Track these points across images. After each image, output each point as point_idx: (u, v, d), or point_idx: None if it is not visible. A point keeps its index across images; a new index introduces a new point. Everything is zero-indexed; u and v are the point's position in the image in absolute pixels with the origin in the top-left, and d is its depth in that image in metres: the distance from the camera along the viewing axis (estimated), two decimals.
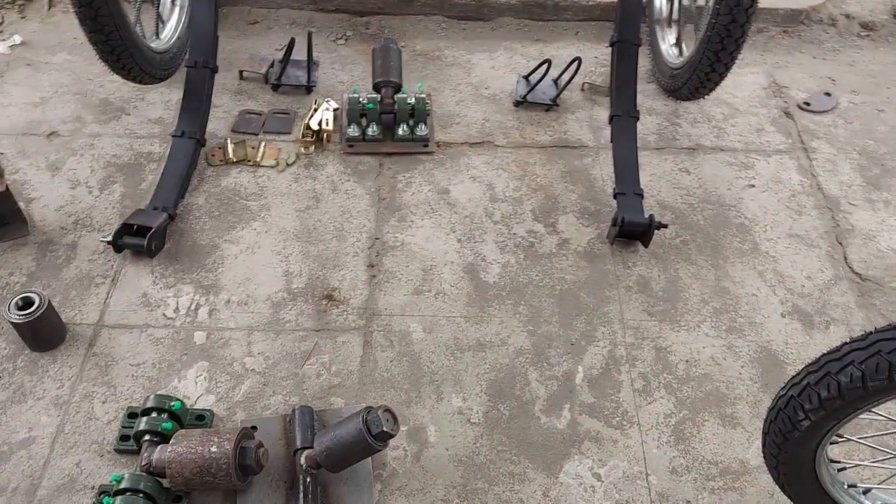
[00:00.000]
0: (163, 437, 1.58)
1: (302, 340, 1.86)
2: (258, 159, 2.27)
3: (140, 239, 1.95)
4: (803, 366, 1.27)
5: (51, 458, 1.62)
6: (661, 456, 1.67)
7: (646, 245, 2.06)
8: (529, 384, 1.80)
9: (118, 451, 1.63)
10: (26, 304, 1.72)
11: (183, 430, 1.55)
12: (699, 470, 1.65)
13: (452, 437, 1.70)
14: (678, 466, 1.65)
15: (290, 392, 1.76)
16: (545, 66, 2.43)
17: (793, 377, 1.28)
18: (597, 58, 2.65)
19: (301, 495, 1.53)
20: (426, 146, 2.34)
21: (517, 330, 1.91)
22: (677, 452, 1.68)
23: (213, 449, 1.49)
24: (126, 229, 1.98)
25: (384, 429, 1.49)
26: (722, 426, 1.72)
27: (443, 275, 2.02)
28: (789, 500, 1.47)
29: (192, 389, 1.75)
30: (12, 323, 1.71)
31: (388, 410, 1.53)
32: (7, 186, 1.95)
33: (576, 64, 2.44)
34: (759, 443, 1.68)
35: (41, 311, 1.71)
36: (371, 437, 1.49)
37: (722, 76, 2.25)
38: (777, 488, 1.58)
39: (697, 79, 2.28)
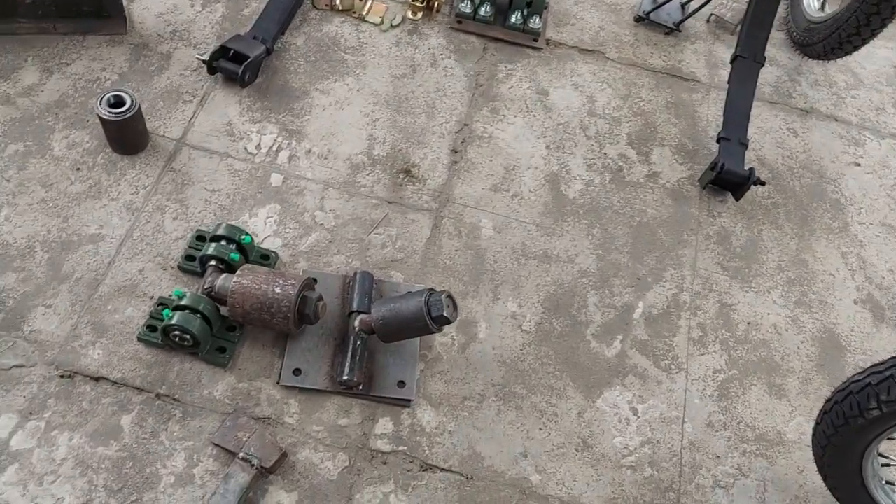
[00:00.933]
0: (228, 267, 1.60)
1: (373, 208, 1.85)
2: (364, 13, 2.18)
3: (236, 66, 1.90)
4: (889, 356, 1.24)
5: (116, 259, 1.65)
6: (701, 407, 1.67)
7: (737, 198, 1.99)
8: (587, 307, 1.79)
9: (181, 269, 1.65)
10: (118, 102, 1.71)
11: (249, 265, 1.57)
12: (735, 430, 1.65)
13: (501, 338, 1.71)
14: (715, 421, 1.66)
15: (354, 255, 1.76)
16: None
17: (873, 365, 1.25)
18: None
19: (349, 354, 1.56)
20: (535, 41, 2.23)
21: (586, 251, 1.88)
22: (718, 408, 1.68)
23: (277, 290, 1.51)
24: (223, 52, 1.93)
25: (444, 313, 1.50)
26: (768, 394, 1.71)
27: (524, 178, 1.98)
28: (818, 478, 1.48)
29: (261, 228, 1.76)
30: (101, 119, 1.71)
31: (450, 297, 1.53)
32: None
33: None
34: (801, 418, 1.68)
35: (131, 112, 1.70)
36: (430, 318, 1.50)
37: (865, 41, 2.10)
38: (806, 465, 1.59)
39: (837, 38, 2.12)
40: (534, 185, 1.97)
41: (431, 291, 1.53)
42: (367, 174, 1.90)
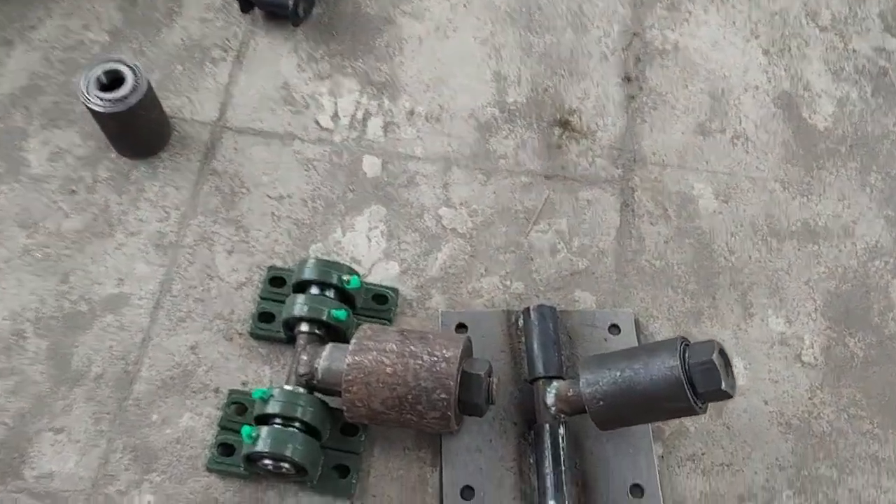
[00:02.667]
0: (328, 330, 0.98)
1: (525, 190, 1.19)
2: None
3: None
4: None
5: (152, 334, 1.05)
6: None
7: None
8: (894, 307, 1.12)
9: (255, 336, 1.04)
10: (114, 80, 1.06)
11: (367, 327, 0.94)
12: None
13: (774, 381, 1.06)
14: None
15: (512, 273, 1.12)
16: None
17: None
18: None
19: (548, 457, 0.94)
20: None
21: (868, 212, 1.19)
22: None
23: (423, 373, 0.88)
24: None
25: (722, 386, 0.85)
26: None
27: (741, 105, 1.27)
28: None
29: (363, 249, 1.12)
30: (92, 111, 1.07)
31: (722, 352, 0.88)
32: None
33: None
34: None
35: (137, 95, 1.05)
36: (693, 395, 0.86)
37: None
38: None
39: None
40: (760, 116, 1.27)
41: (686, 345, 0.88)
42: (504, 136, 1.23)
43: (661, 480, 0.97)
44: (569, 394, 0.95)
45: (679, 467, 1.00)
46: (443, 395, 0.88)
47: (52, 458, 0.96)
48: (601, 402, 0.90)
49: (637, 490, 0.97)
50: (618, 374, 0.89)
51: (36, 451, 0.97)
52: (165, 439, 0.98)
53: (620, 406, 0.89)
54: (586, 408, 0.91)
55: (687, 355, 0.87)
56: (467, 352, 0.95)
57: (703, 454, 1.01)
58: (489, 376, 0.93)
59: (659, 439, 1.01)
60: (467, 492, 0.96)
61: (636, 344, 1.06)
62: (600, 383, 0.90)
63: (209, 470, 0.96)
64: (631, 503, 0.96)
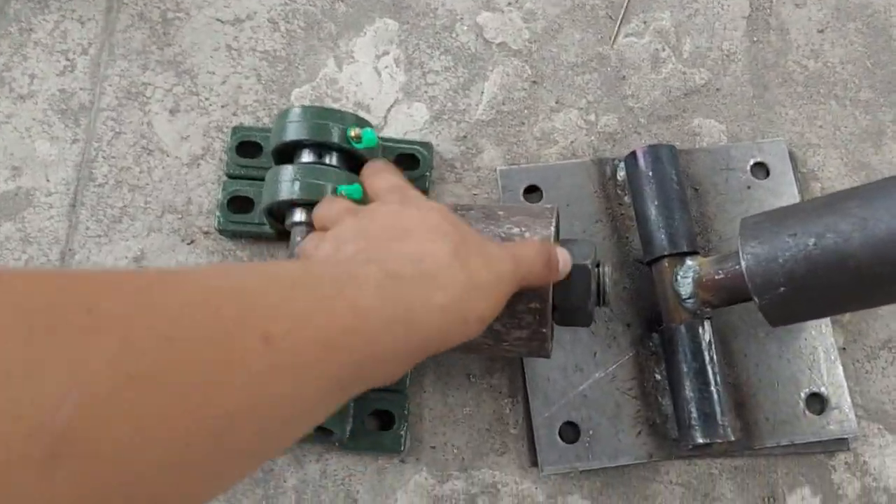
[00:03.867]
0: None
1: None
2: None
3: None
4: None
5: (73, 245, 0.70)
6: None
7: None
8: None
9: (225, 232, 0.69)
10: None
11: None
12: None
13: None
14: None
15: (597, 102, 0.75)
16: None
17: None
18: None
19: (687, 368, 0.62)
20: None
21: None
22: None
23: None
24: None
25: None
26: None
27: None
28: None
29: (372, 88, 0.74)
30: None
31: None
32: None
33: None
34: None
35: None
36: None
37: None
38: None
39: None
40: None
41: None
42: None
43: (846, 383, 0.66)
44: (717, 277, 0.61)
45: (870, 361, 0.69)
46: (533, 305, 0.55)
47: None
48: (782, 289, 0.56)
49: (816, 401, 0.66)
50: (810, 241, 0.54)
51: None
52: None
53: (817, 291, 0.56)
54: (754, 297, 0.58)
55: None
56: (556, 231, 0.60)
57: None
58: (597, 265, 0.59)
59: (837, 325, 0.69)
60: (568, 430, 0.65)
61: (794, 187, 0.71)
62: (779, 258, 0.56)
63: None
64: (809, 421, 0.65)
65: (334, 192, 0.62)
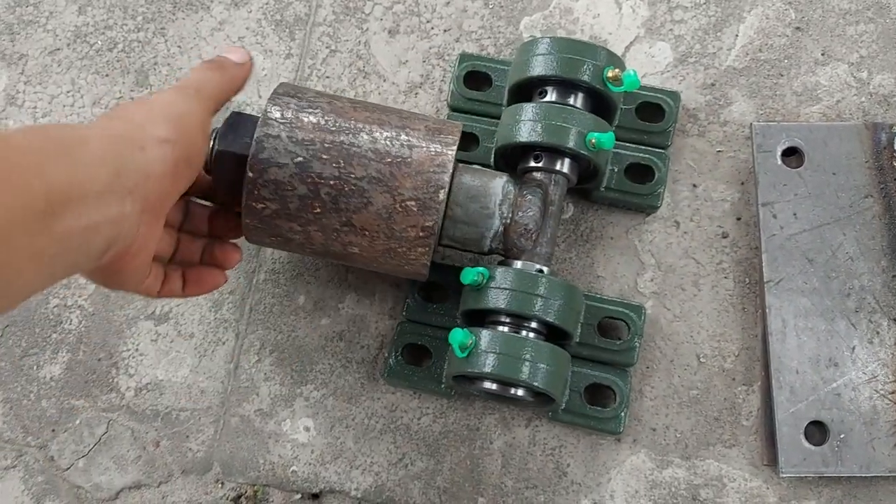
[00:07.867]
0: (577, 166, 0.57)
1: None
2: None
3: None
4: None
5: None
6: None
7: None
8: None
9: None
10: None
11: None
12: None
13: None
14: None
15: (871, 57, 0.64)
16: None
17: None
18: None
19: None
20: None
21: None
22: None
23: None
24: None
25: None
26: None
27: None
28: None
29: (610, 22, 0.66)
30: None
31: None
32: None
33: None
34: None
35: None
36: None
37: None
38: None
39: None
40: None
41: None
42: None
43: None
44: None
45: None
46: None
47: (155, 360, 0.64)
48: None
49: None
50: None
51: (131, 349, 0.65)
52: (321, 333, 0.64)
53: None
54: None
55: None
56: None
57: None
58: None
59: None
60: (815, 430, 0.58)
61: None
62: None
63: (388, 380, 0.62)
64: None
65: (582, 137, 0.55)
